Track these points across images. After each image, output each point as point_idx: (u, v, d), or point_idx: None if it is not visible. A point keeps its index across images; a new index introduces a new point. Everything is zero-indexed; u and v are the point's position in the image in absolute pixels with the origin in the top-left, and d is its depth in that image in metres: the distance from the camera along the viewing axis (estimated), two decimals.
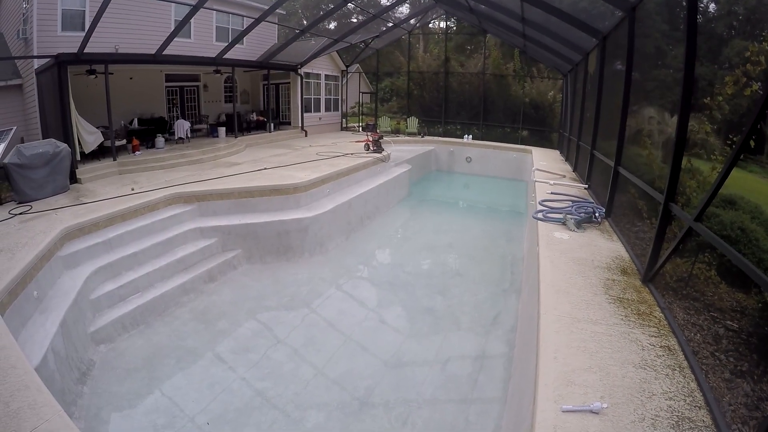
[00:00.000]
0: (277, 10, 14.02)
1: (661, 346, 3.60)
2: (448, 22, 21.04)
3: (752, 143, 3.37)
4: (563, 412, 2.74)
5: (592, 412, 2.73)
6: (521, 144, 18.53)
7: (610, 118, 8.76)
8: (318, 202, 9.89)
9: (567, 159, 13.80)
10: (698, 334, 3.92)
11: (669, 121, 7.63)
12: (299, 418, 4.63)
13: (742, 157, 3.40)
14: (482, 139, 19.32)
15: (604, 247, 5.92)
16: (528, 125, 19.02)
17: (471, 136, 19.12)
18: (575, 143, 11.86)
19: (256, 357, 5.73)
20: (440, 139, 19.59)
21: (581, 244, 5.94)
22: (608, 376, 3.13)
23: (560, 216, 6.79)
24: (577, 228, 6.47)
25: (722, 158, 4.26)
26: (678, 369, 3.29)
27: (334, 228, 9.82)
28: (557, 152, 16.39)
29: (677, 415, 2.75)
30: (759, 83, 3.64)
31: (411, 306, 7.29)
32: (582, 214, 6.83)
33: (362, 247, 10.13)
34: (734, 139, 3.67)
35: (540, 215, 7.00)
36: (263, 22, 12.55)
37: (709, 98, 4.25)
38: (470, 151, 18.51)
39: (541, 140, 18.64)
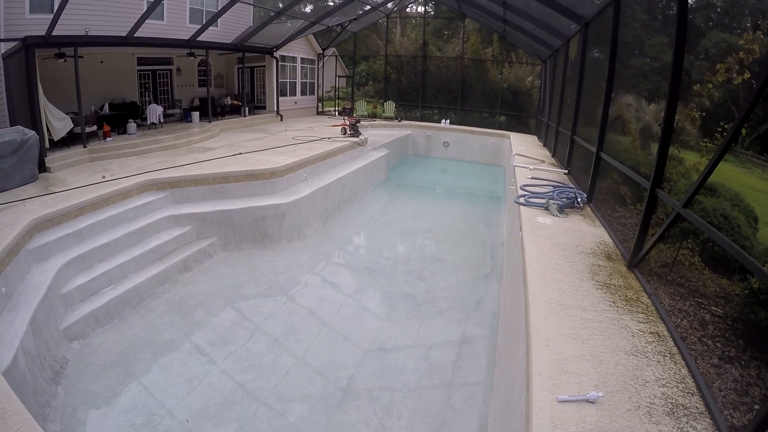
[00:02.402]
0: None
1: (650, 333, 3.59)
2: (427, 7, 20.76)
3: (744, 131, 3.37)
4: (559, 402, 2.69)
5: (588, 401, 2.69)
6: (499, 129, 18.55)
7: (591, 104, 8.79)
8: (295, 187, 9.66)
9: (545, 144, 13.87)
10: (685, 320, 3.95)
11: (646, 108, 7.71)
12: (282, 411, 4.50)
13: (733, 145, 3.40)
14: (460, 124, 19.24)
15: (588, 232, 5.93)
16: (506, 110, 19.04)
17: (449, 121, 19.03)
18: (554, 129, 11.89)
19: (235, 348, 5.55)
20: (417, 123, 19.44)
21: (565, 229, 5.93)
22: (601, 363, 3.09)
23: (542, 201, 6.77)
24: (560, 213, 6.47)
25: (711, 145, 4.25)
26: (668, 355, 3.27)
27: (311, 213, 9.63)
28: (535, 138, 16.47)
29: (671, 402, 2.73)
30: (756, 68, 3.62)
31: (392, 292, 7.21)
32: (564, 200, 6.83)
33: (340, 232, 9.97)
34: (725, 126, 3.67)
35: (522, 200, 6.96)
36: (238, 3, 12.08)
37: (698, 85, 4.21)
38: (448, 136, 18.44)
39: (519, 125, 18.70)
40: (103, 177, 8.32)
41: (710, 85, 4.17)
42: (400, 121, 19.51)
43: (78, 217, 6.85)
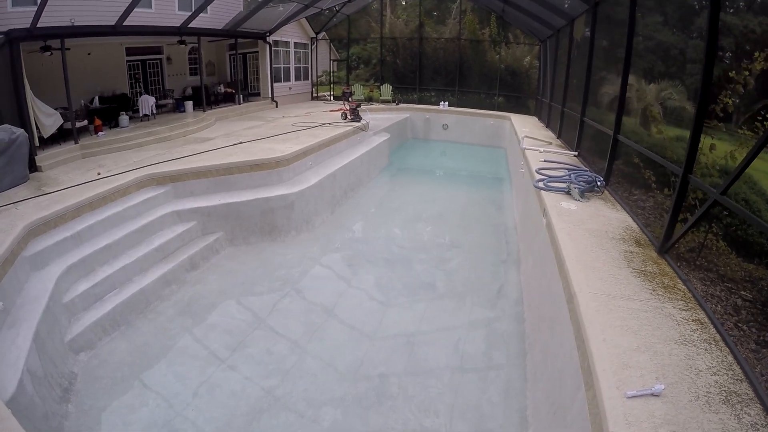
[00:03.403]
0: None
1: (692, 320, 3.55)
2: None
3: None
4: (628, 398, 2.66)
5: (653, 395, 2.67)
6: (497, 110, 18.31)
7: (600, 85, 8.61)
8: (301, 176, 9.39)
9: (548, 126, 13.65)
10: (719, 305, 3.95)
11: (646, 88, 7.54)
12: (314, 417, 4.31)
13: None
14: (457, 106, 18.97)
15: (613, 217, 5.79)
16: (504, 91, 18.74)
17: (447, 103, 18.72)
18: (559, 110, 11.65)
19: (256, 351, 5.30)
20: (415, 106, 19.16)
21: (590, 214, 5.78)
22: (656, 355, 3.06)
23: (563, 185, 6.59)
24: (581, 198, 6.29)
25: (750, 134, 4.14)
26: (713, 342, 3.28)
27: (320, 203, 9.39)
28: (535, 119, 16.24)
29: (725, 390, 2.75)
30: None
31: (411, 282, 7.02)
32: (582, 183, 6.64)
33: (350, 221, 9.75)
34: (766, 115, 3.66)
35: (541, 184, 6.78)
36: None
37: (734, 72, 4.18)
38: (446, 118, 18.19)
39: (518, 106, 18.43)
40: (99, 174, 7.96)
41: (746, 72, 4.09)
42: (398, 104, 19.16)
43: (75, 219, 6.49)
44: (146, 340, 5.52)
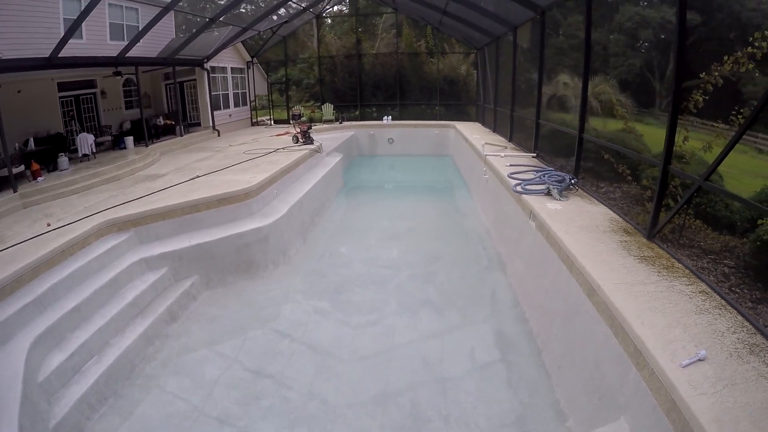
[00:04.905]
0: None
1: (699, 292, 3.95)
2: (341, 6, 20.45)
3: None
4: (683, 367, 2.96)
5: (700, 360, 3.01)
6: (438, 120, 18.91)
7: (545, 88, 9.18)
8: (270, 206, 9.07)
9: (495, 130, 14.24)
10: (711, 276, 4.36)
11: (579, 84, 8.12)
12: None
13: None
14: (400, 119, 19.37)
15: (595, 211, 6.14)
16: (444, 100, 19.35)
17: (390, 117, 19.01)
18: (507, 114, 12.19)
19: (271, 402, 4.88)
20: (358, 123, 19.30)
21: (575, 211, 6.09)
22: (686, 327, 3.41)
23: (542, 187, 6.89)
24: (561, 197, 6.60)
25: (723, 127, 4.55)
26: (722, 308, 3.70)
27: (292, 232, 9.14)
28: (479, 124, 16.93)
29: (747, 344, 3.20)
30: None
31: (406, 301, 6.95)
32: (556, 183, 6.99)
33: (324, 247, 9.51)
34: (741, 111, 4.12)
35: (519, 188, 7.05)
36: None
37: (704, 74, 4.65)
38: (391, 132, 18.50)
39: (458, 114, 19.11)
40: (48, 225, 7.18)
41: (716, 73, 4.56)
42: (341, 122, 19.18)
43: (34, 280, 5.70)
44: (143, 410, 4.87)
